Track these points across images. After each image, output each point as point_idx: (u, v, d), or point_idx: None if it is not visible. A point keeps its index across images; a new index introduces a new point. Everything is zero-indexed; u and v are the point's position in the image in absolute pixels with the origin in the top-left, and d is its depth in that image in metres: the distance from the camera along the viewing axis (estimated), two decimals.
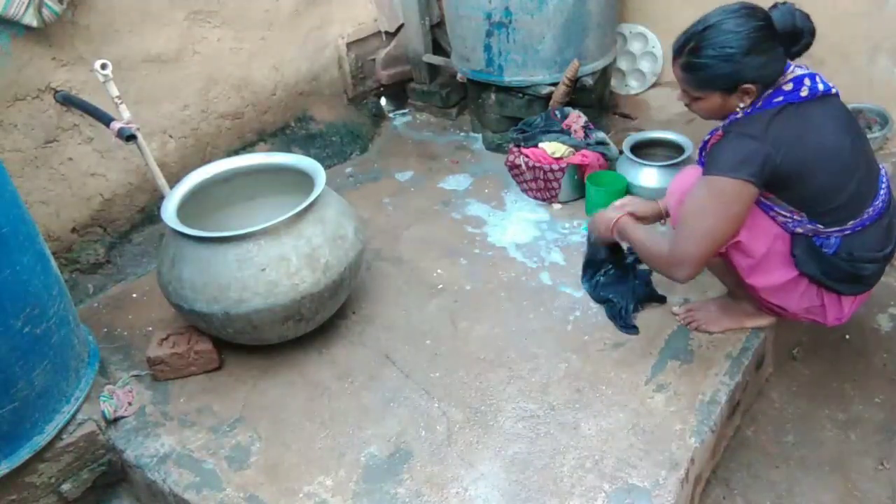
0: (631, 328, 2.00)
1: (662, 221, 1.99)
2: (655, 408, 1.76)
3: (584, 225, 2.36)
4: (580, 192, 2.67)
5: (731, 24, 1.52)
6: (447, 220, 2.66)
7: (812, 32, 1.54)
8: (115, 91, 2.16)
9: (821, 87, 1.60)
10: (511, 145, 2.77)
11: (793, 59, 1.59)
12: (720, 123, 1.68)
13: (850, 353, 2.13)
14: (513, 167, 2.72)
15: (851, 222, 1.64)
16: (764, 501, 1.76)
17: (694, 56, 1.57)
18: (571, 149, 2.63)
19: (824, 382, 2.05)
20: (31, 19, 2.09)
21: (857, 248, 1.66)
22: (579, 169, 2.61)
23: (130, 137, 2.12)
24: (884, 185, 1.70)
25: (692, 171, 1.78)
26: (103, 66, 2.11)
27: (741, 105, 1.60)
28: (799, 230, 1.68)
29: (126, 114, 2.17)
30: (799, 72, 1.62)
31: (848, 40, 2.78)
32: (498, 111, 3.09)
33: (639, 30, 3.39)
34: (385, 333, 2.11)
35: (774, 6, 1.56)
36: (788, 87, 1.58)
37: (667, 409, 1.75)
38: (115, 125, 2.12)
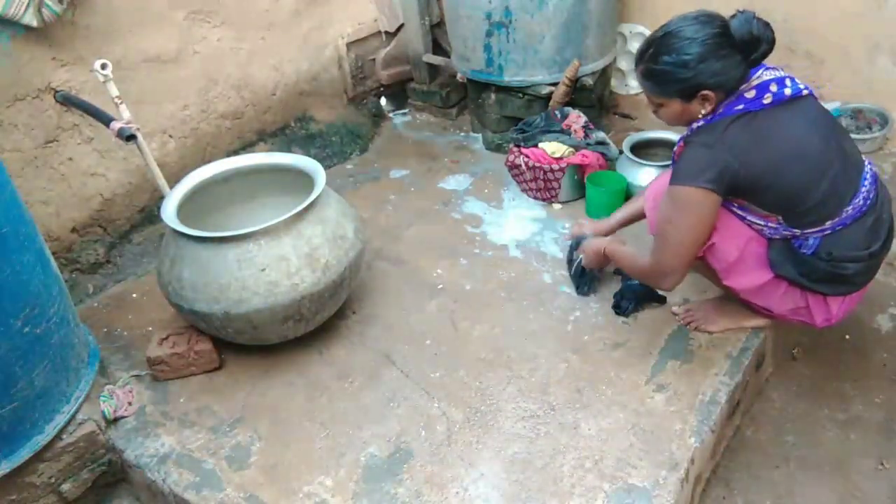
0: (624, 311, 2.06)
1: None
2: (655, 408, 1.76)
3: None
4: (580, 192, 2.67)
5: (689, 31, 1.54)
6: (447, 220, 2.66)
7: (770, 41, 1.55)
8: (115, 91, 2.16)
9: (788, 91, 1.60)
10: (511, 145, 2.77)
11: (752, 66, 1.59)
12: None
13: (850, 353, 2.13)
14: (513, 167, 2.72)
15: (830, 222, 1.63)
16: (764, 501, 1.76)
17: (653, 62, 1.60)
18: (571, 149, 2.63)
19: (824, 382, 2.05)
20: (31, 19, 2.09)
21: (838, 247, 1.64)
22: (579, 169, 2.61)
23: (130, 137, 2.12)
24: (866, 182, 1.67)
25: (665, 177, 1.78)
26: (103, 66, 2.11)
27: (703, 112, 1.62)
28: (776, 237, 1.68)
29: (126, 114, 2.17)
30: (767, 76, 1.61)
31: (848, 40, 2.78)
32: (498, 111, 3.09)
33: (639, 30, 3.39)
34: (385, 333, 2.11)
35: (734, 14, 1.57)
36: (751, 94, 1.59)
37: (667, 409, 1.75)
38: (115, 125, 2.12)
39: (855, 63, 2.80)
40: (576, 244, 2.19)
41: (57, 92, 2.28)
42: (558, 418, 1.76)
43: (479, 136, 3.26)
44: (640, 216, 2.06)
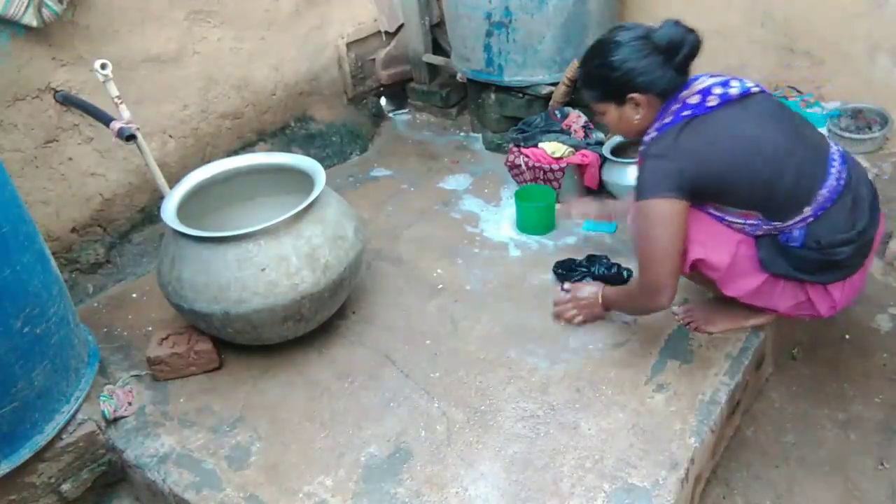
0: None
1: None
2: (655, 408, 1.76)
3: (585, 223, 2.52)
4: (580, 192, 2.67)
5: (615, 37, 1.68)
6: (447, 219, 2.66)
7: (692, 44, 1.62)
8: (115, 91, 2.16)
9: (734, 91, 1.64)
10: (511, 145, 2.77)
11: (680, 71, 1.65)
12: None
13: (850, 353, 2.13)
14: (513, 167, 2.72)
15: (808, 208, 1.63)
16: (764, 501, 1.76)
17: (584, 69, 1.75)
18: (571, 149, 2.63)
19: (824, 382, 2.05)
20: (31, 19, 2.09)
21: (824, 233, 1.64)
22: (579, 169, 2.61)
23: (130, 137, 2.12)
24: (835, 163, 1.67)
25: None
26: (103, 66, 2.11)
27: (636, 117, 1.71)
28: (760, 233, 1.69)
29: (126, 114, 2.17)
30: (710, 81, 1.66)
31: (848, 40, 2.78)
32: (498, 111, 3.09)
33: None
34: (385, 333, 2.11)
35: (662, 23, 1.66)
36: (695, 99, 1.63)
37: (667, 409, 1.75)
38: (115, 125, 2.12)
39: (855, 63, 2.80)
40: (563, 272, 2.24)
41: (57, 92, 2.28)
42: (558, 418, 1.76)
43: (479, 136, 3.26)
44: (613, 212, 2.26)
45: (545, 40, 2.81)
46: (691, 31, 1.63)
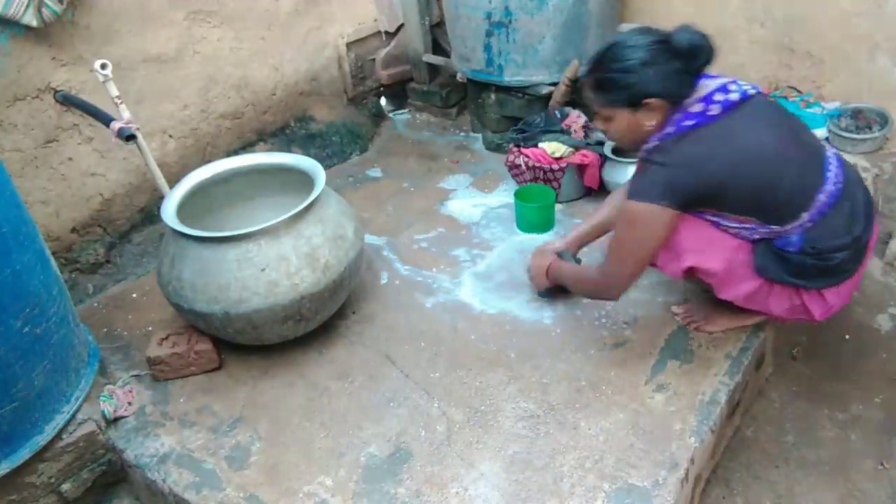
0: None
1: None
2: (655, 408, 1.76)
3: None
4: (580, 192, 2.67)
5: (632, 40, 1.63)
6: (447, 219, 2.66)
7: (709, 51, 1.60)
8: (115, 91, 2.15)
9: (735, 96, 1.62)
10: (511, 145, 2.77)
11: (695, 77, 1.64)
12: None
13: (850, 353, 2.13)
14: (513, 167, 2.72)
15: (806, 213, 1.63)
16: (764, 501, 1.76)
17: (599, 72, 1.67)
18: (571, 149, 2.63)
19: (824, 382, 2.05)
20: (31, 19, 2.09)
21: (821, 239, 1.64)
22: (579, 169, 2.61)
23: (130, 137, 2.12)
24: (832, 167, 1.68)
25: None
26: (103, 66, 2.11)
27: (649, 124, 1.66)
28: (757, 237, 1.68)
29: (126, 114, 2.17)
30: (711, 85, 1.64)
31: (848, 40, 2.78)
32: (498, 111, 3.09)
33: None
34: (385, 333, 2.11)
35: (677, 28, 1.63)
36: (697, 108, 1.62)
37: (667, 409, 1.75)
38: (115, 125, 2.12)
39: (855, 63, 2.80)
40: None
41: (57, 92, 2.28)
42: (558, 418, 1.76)
43: (479, 136, 3.26)
44: (607, 228, 2.07)
45: (545, 40, 2.81)
46: (706, 36, 1.60)
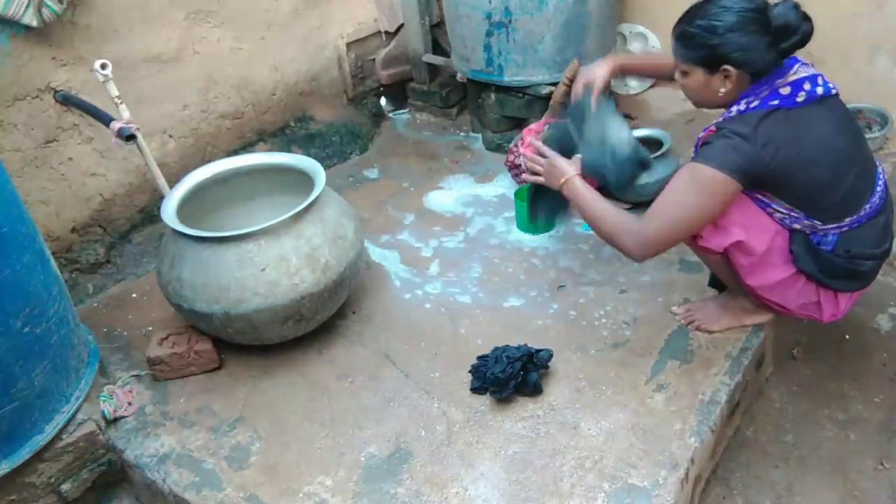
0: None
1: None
2: (655, 408, 1.76)
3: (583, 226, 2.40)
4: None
5: (728, 1, 1.56)
6: (447, 219, 2.66)
7: (805, 33, 1.56)
8: (115, 91, 2.15)
9: (820, 90, 1.62)
10: (511, 145, 2.77)
11: (783, 55, 1.60)
12: (713, 118, 1.70)
13: (850, 353, 2.13)
14: (513, 167, 2.72)
15: (848, 219, 1.66)
16: (764, 501, 1.76)
17: (687, 24, 1.62)
18: None
19: (824, 382, 2.05)
20: (31, 19, 2.09)
21: (855, 244, 1.67)
22: None
23: (130, 137, 2.12)
24: (880, 183, 1.72)
25: None
26: (103, 66, 2.11)
27: (722, 90, 1.63)
28: (797, 226, 1.69)
29: (126, 114, 2.17)
30: (802, 73, 1.63)
31: (848, 40, 2.78)
32: (498, 111, 3.09)
33: (639, 30, 3.39)
34: (385, 333, 2.11)
35: (782, 1, 1.58)
36: (786, 90, 1.60)
37: (667, 409, 1.75)
38: (115, 125, 2.12)
39: (855, 63, 2.80)
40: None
41: (57, 92, 2.28)
42: (558, 418, 1.76)
43: (479, 136, 3.26)
44: (660, 71, 2.01)
45: (545, 40, 2.81)
46: (808, 18, 1.57)
